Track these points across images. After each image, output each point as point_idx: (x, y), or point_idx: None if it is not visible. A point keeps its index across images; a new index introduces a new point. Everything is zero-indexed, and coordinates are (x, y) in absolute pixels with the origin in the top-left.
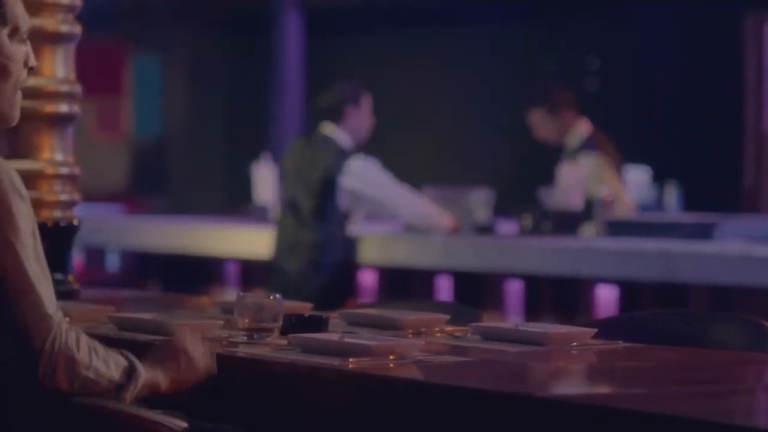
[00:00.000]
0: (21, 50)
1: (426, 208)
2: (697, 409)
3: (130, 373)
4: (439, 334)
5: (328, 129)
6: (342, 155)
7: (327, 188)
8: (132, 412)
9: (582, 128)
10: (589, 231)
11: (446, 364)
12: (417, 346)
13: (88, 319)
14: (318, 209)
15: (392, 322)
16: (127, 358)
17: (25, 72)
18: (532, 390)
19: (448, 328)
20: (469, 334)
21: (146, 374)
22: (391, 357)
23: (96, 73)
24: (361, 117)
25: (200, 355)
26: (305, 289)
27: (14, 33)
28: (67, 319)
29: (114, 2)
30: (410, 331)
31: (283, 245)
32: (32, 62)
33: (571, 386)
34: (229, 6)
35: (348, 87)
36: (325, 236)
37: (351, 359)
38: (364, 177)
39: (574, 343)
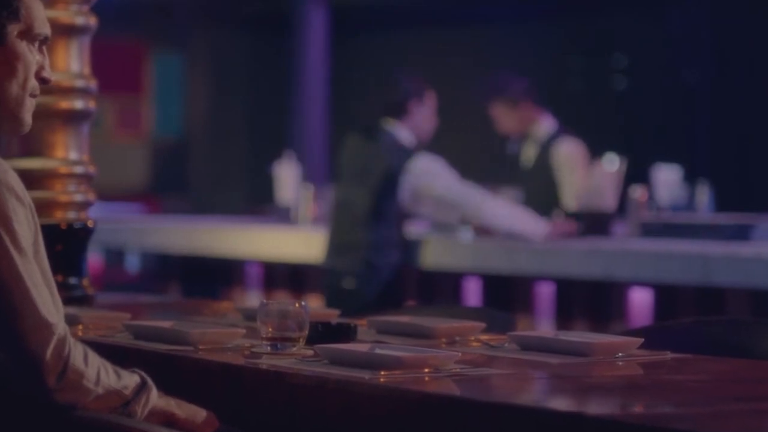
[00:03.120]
0: (33, 54)
1: (506, 209)
2: (755, 428)
3: (140, 389)
4: (474, 344)
5: (390, 125)
6: (405, 153)
7: (387, 186)
8: (144, 428)
9: (547, 121)
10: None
11: (485, 378)
12: (452, 357)
13: (102, 327)
14: (376, 209)
15: (424, 330)
16: (139, 375)
17: (36, 82)
18: (580, 408)
19: (484, 337)
20: (506, 344)
21: (159, 400)
22: (426, 370)
23: (116, 71)
24: (425, 114)
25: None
26: (360, 294)
27: (26, 33)
28: (81, 326)
29: (135, 0)
30: (444, 340)
31: (336, 246)
32: (47, 74)
33: (620, 404)
34: (252, 3)
35: (412, 81)
36: (381, 237)
37: (383, 372)
38: (433, 175)
39: (620, 354)
